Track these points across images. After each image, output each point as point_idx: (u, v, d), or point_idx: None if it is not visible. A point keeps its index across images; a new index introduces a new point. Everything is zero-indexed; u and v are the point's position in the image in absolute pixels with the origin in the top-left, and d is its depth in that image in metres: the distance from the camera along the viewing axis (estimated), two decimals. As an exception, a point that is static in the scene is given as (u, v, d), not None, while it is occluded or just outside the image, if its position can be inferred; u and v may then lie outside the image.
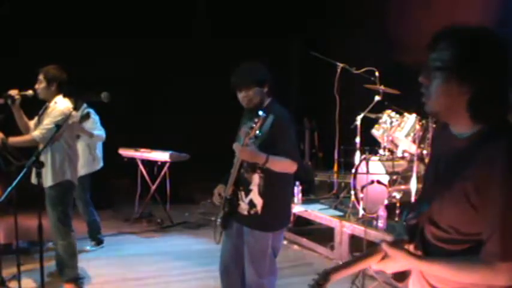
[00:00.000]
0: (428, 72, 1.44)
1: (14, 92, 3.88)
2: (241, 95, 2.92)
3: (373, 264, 1.55)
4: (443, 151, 1.55)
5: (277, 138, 2.83)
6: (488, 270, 1.34)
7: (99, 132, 5.34)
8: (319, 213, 5.37)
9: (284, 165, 2.84)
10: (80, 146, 5.26)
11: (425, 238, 1.53)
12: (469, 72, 1.38)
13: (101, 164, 5.50)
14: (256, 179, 2.89)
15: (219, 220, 3.04)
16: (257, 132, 2.70)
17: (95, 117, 5.27)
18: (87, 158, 5.33)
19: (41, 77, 3.98)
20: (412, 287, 1.61)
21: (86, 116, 4.93)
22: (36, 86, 3.98)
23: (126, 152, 6.55)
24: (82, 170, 5.26)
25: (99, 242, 5.45)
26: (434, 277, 1.50)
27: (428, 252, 1.51)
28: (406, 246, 1.56)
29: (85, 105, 5.26)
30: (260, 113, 2.70)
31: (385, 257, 1.51)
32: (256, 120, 2.69)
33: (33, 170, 3.25)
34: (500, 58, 1.39)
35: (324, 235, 5.42)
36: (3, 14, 6.48)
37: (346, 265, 1.59)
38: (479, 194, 1.35)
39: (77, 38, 7.05)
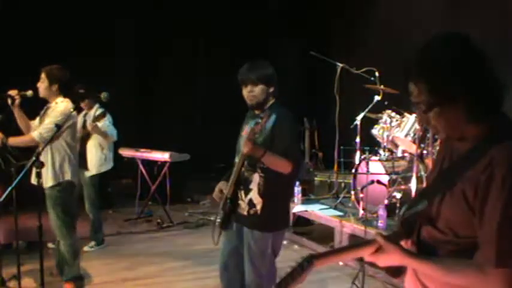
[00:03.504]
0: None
1: (13, 92, 3.88)
2: (246, 91, 2.93)
3: (366, 256, 1.52)
4: (449, 150, 1.55)
5: (277, 137, 2.85)
6: (481, 275, 1.33)
7: (112, 132, 5.34)
8: (319, 213, 5.37)
9: (279, 164, 2.82)
10: (92, 146, 5.28)
11: (421, 236, 1.53)
12: (447, 92, 1.37)
13: (111, 164, 5.51)
14: (256, 178, 2.89)
15: (218, 221, 3.03)
16: (261, 128, 2.73)
17: (109, 117, 5.28)
18: (99, 158, 5.33)
19: (43, 75, 3.98)
20: (407, 284, 1.61)
21: (102, 115, 4.92)
22: (38, 85, 3.98)
23: (126, 152, 6.55)
24: (93, 169, 5.27)
25: (99, 242, 5.45)
26: (425, 276, 1.50)
27: (423, 251, 1.51)
28: (403, 242, 1.55)
29: (98, 104, 5.28)
30: (266, 110, 2.76)
31: (378, 249, 1.48)
32: (262, 115, 2.73)
33: (33, 170, 3.26)
34: (463, 61, 1.37)
35: (324, 235, 5.43)
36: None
37: (334, 252, 1.58)
38: (477, 197, 1.33)
39: (77, 38, 7.06)
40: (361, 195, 4.91)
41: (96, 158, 5.28)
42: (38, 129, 3.89)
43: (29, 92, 3.93)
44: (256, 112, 2.96)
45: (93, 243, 5.41)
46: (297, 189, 5.67)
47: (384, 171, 4.94)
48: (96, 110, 5.23)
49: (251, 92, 2.91)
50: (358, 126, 5.59)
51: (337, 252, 1.61)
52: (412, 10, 6.56)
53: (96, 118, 4.97)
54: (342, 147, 6.05)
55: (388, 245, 1.46)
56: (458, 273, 1.38)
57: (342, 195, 5.76)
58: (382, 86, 5.45)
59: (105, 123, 5.22)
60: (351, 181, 5.26)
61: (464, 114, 1.39)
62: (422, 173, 4.79)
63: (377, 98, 5.52)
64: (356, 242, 1.64)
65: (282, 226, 3.04)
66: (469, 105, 1.38)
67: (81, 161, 4.74)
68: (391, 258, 1.46)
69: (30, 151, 3.63)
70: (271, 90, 2.94)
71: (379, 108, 5.44)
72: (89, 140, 5.24)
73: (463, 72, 1.36)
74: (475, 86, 1.36)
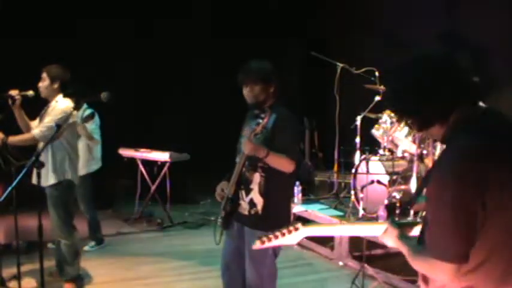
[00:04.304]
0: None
1: (14, 92, 3.88)
2: (246, 91, 2.94)
3: (379, 235, 1.72)
4: None
5: (277, 136, 2.86)
6: (426, 263, 1.46)
7: (97, 136, 5.33)
8: (319, 213, 5.37)
9: (282, 163, 2.84)
10: (80, 146, 5.26)
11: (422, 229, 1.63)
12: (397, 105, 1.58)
13: (99, 164, 5.50)
14: (257, 178, 2.90)
15: (219, 220, 3.04)
16: (262, 128, 2.74)
17: (97, 119, 5.26)
18: (87, 158, 5.33)
19: (44, 75, 3.99)
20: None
21: (91, 116, 4.91)
22: (39, 84, 3.98)
23: (126, 152, 6.55)
24: (82, 169, 5.26)
25: (99, 242, 5.46)
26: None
27: (420, 241, 1.60)
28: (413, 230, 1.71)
29: (85, 105, 5.26)
30: (267, 110, 2.78)
31: (386, 231, 1.68)
32: (262, 115, 2.75)
33: (34, 170, 3.26)
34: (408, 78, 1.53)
35: (323, 235, 5.42)
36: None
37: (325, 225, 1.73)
38: (429, 190, 1.47)
39: (77, 38, 7.06)
40: (361, 195, 4.91)
41: (84, 158, 5.26)
42: (39, 127, 3.90)
43: (30, 92, 3.94)
44: (257, 112, 2.97)
45: (93, 243, 5.41)
46: (297, 189, 5.67)
47: (384, 171, 4.93)
48: (84, 111, 5.19)
49: (251, 92, 2.92)
50: (358, 126, 5.59)
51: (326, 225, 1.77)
52: (412, 10, 6.56)
53: (85, 119, 4.95)
54: (342, 147, 6.05)
55: (390, 228, 1.64)
56: (420, 260, 1.51)
57: (342, 195, 5.76)
58: (382, 86, 5.44)
59: (91, 127, 5.21)
60: (351, 181, 5.26)
61: (418, 121, 1.53)
62: (423, 173, 4.79)
63: (377, 98, 5.52)
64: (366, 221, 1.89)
65: (283, 226, 3.03)
66: (417, 115, 1.52)
67: None
68: (391, 240, 1.66)
69: (30, 151, 3.63)
70: (272, 90, 2.95)
71: (379, 108, 5.44)
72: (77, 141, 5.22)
73: (406, 90, 1.53)
74: (418, 99, 1.49)
